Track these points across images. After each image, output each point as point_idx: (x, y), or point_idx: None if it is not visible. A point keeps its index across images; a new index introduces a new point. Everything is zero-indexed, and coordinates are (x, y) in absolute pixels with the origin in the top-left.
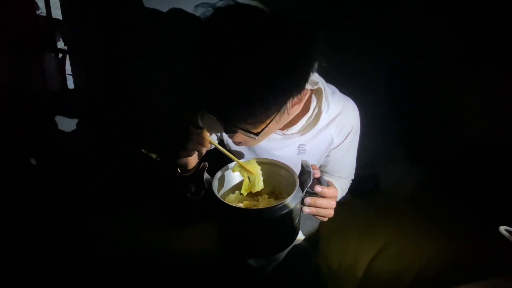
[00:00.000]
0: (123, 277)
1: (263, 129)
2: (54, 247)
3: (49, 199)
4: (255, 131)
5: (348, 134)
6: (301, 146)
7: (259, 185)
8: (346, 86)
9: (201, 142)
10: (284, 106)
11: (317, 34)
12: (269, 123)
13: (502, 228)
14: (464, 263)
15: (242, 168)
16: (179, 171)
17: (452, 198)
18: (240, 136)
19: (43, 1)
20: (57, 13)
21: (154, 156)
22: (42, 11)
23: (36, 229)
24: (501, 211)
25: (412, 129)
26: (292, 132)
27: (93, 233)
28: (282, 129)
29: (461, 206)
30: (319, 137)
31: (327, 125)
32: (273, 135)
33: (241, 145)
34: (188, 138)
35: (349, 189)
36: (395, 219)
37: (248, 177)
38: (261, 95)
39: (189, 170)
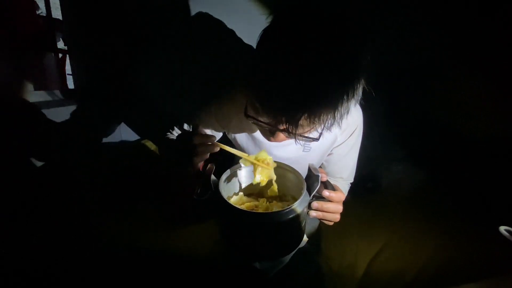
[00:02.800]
0: (127, 278)
1: (320, 134)
2: (54, 247)
3: (47, 198)
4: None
5: (352, 133)
6: (306, 143)
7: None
8: None
9: (208, 147)
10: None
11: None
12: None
13: (502, 228)
14: (464, 263)
15: (256, 164)
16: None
17: (452, 198)
18: (281, 135)
19: (43, 1)
20: (57, 13)
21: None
22: (42, 11)
23: (34, 229)
24: (501, 211)
25: (412, 129)
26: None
27: (94, 233)
28: None
29: (461, 206)
30: (323, 136)
31: None
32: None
33: (275, 142)
34: (194, 145)
35: (349, 189)
36: (395, 219)
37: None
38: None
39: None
